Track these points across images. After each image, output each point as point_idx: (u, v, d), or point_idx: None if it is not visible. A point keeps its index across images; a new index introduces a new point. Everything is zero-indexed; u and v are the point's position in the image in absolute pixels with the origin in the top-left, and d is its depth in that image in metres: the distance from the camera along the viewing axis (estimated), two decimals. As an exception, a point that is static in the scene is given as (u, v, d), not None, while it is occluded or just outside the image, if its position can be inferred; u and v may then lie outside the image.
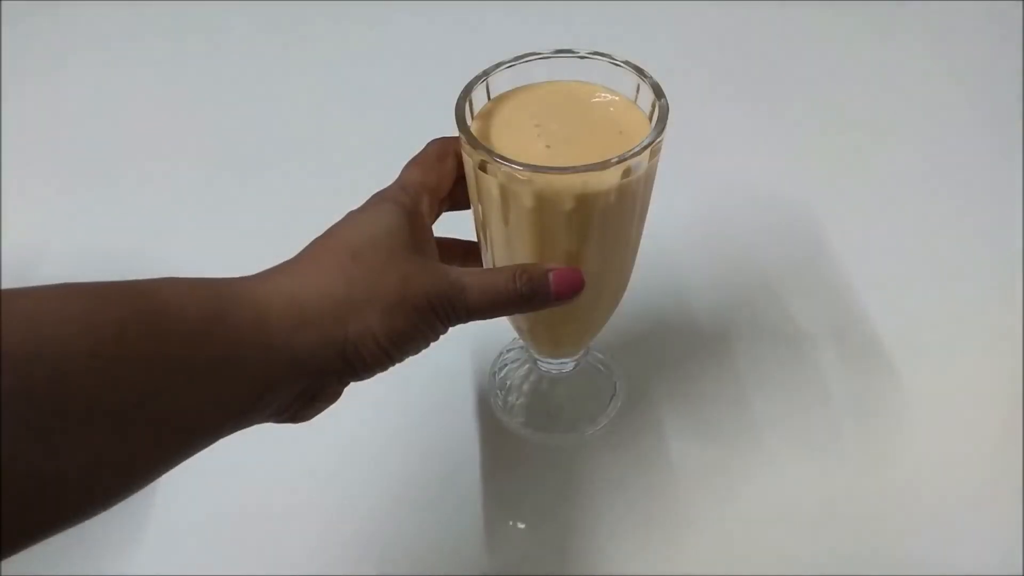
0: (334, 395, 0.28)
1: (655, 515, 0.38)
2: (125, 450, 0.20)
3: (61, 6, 0.80)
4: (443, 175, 0.31)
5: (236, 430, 0.24)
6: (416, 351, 0.27)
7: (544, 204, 0.28)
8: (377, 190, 0.30)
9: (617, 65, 0.31)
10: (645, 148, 0.27)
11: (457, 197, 0.33)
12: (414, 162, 0.31)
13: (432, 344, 0.28)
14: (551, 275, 0.28)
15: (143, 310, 0.21)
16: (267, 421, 0.25)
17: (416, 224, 0.28)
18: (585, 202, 0.28)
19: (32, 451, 0.18)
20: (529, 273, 0.28)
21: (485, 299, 0.27)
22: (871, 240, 0.51)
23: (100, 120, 0.66)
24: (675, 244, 0.51)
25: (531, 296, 0.28)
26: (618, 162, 0.27)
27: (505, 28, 0.72)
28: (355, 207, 0.29)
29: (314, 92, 0.68)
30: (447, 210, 0.33)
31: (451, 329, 0.28)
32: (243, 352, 0.23)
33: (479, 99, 0.31)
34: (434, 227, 0.31)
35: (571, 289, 0.28)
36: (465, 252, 0.35)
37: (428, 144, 0.31)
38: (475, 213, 0.33)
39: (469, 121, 0.30)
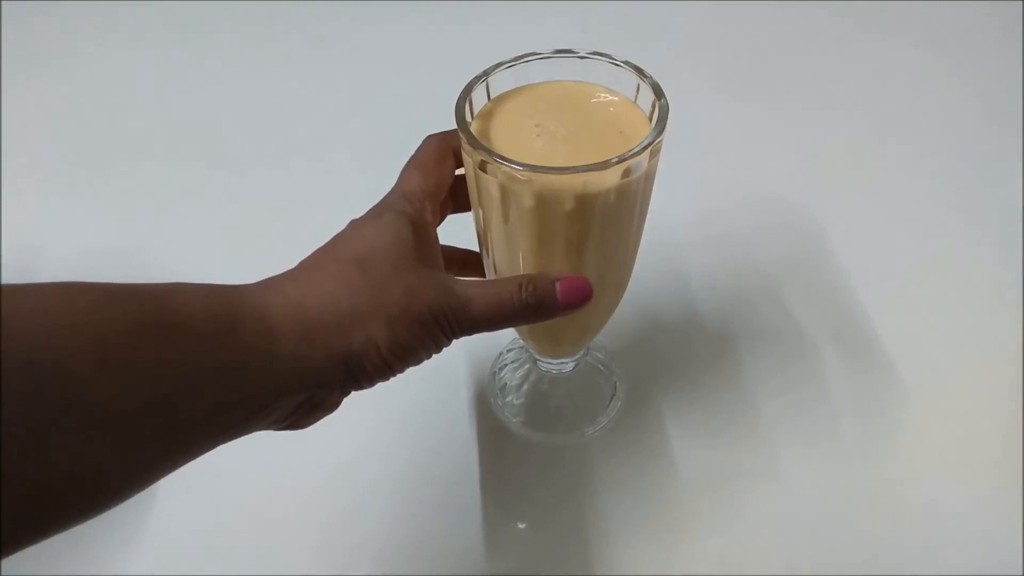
0: (334, 404, 0.28)
1: (656, 515, 0.38)
2: (127, 455, 0.20)
3: (61, 6, 0.80)
4: (443, 177, 0.31)
5: (238, 437, 0.24)
6: (418, 362, 0.27)
7: (544, 204, 0.28)
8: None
9: (617, 65, 0.31)
10: (645, 148, 0.27)
11: (460, 195, 0.32)
12: (414, 166, 0.30)
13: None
14: (558, 285, 0.28)
15: (154, 318, 0.21)
16: (268, 429, 0.25)
17: (421, 234, 0.28)
18: (585, 202, 0.28)
19: (33, 455, 0.18)
20: (535, 283, 0.27)
21: (490, 312, 0.27)
22: (871, 240, 0.51)
23: (100, 120, 0.66)
24: (675, 244, 0.51)
25: (538, 307, 0.28)
26: (618, 162, 0.27)
27: (505, 28, 0.72)
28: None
29: (313, 92, 0.68)
30: (452, 212, 0.33)
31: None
32: (250, 362, 0.23)
33: (479, 99, 0.31)
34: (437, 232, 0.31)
35: (580, 298, 0.28)
36: (464, 260, 0.35)
37: (425, 142, 0.31)
38: (475, 215, 0.33)
39: (469, 121, 0.30)
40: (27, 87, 0.69)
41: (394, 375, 0.27)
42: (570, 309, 0.28)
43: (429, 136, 0.31)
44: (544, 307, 0.28)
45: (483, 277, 0.35)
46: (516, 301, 0.27)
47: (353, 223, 0.28)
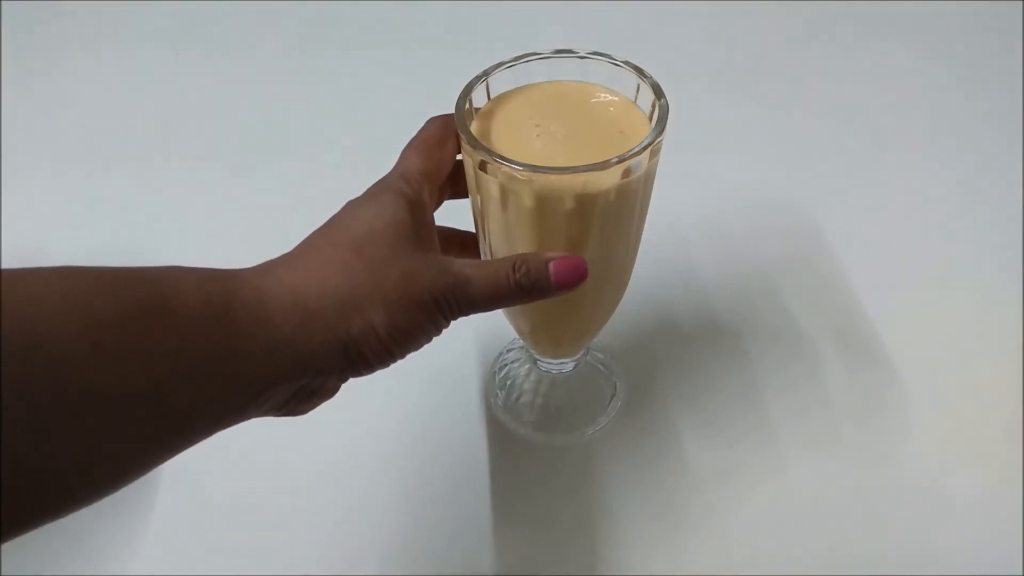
0: (332, 390, 0.28)
1: (656, 514, 0.38)
2: (121, 443, 0.20)
3: (61, 6, 0.80)
4: (443, 160, 0.30)
5: (234, 424, 0.24)
6: (418, 347, 0.27)
7: (544, 204, 0.28)
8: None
9: (617, 65, 0.31)
10: (645, 148, 0.27)
11: (459, 181, 0.32)
12: (414, 147, 0.30)
13: (433, 340, 0.28)
14: (551, 265, 0.28)
15: (147, 301, 0.21)
16: (265, 415, 0.25)
17: (418, 216, 0.28)
18: (585, 202, 0.28)
19: (27, 441, 0.18)
20: (528, 264, 0.27)
21: (487, 292, 0.27)
22: (871, 240, 0.51)
23: (100, 120, 0.66)
24: (675, 244, 0.51)
25: (531, 288, 0.27)
26: (618, 162, 0.27)
27: (505, 28, 0.72)
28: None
29: (313, 91, 0.68)
30: (450, 198, 0.33)
31: (451, 328, 0.28)
32: (246, 349, 0.23)
33: (479, 99, 0.31)
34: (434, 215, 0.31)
35: (574, 278, 0.28)
36: (463, 243, 0.35)
37: (427, 123, 0.30)
38: (473, 203, 0.32)
39: (469, 121, 0.30)
40: (27, 87, 0.69)
41: (394, 360, 0.26)
42: (564, 289, 0.28)
43: (432, 118, 0.31)
44: (537, 288, 0.27)
45: None
46: (511, 281, 0.27)
47: (350, 203, 0.28)
